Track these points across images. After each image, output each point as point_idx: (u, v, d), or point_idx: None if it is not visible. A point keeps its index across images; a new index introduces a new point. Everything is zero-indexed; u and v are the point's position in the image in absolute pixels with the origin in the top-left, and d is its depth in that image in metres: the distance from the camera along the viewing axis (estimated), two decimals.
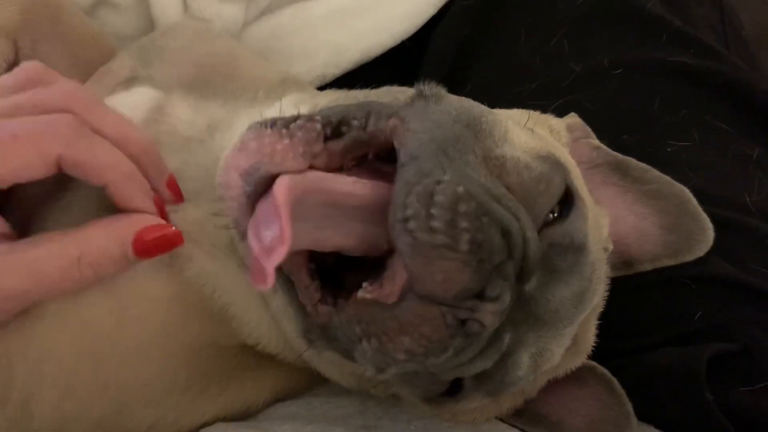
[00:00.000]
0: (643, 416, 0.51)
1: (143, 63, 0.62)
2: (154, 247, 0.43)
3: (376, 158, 0.41)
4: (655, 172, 0.54)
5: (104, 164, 0.43)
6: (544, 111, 0.56)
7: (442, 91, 0.45)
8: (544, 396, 0.51)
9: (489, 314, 0.37)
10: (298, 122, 0.39)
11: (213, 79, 0.58)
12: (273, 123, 0.39)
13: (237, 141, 0.39)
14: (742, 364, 0.52)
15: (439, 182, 0.36)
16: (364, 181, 0.39)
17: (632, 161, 0.55)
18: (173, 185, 0.49)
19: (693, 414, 0.51)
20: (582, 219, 0.44)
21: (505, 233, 0.37)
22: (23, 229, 0.46)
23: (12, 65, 0.62)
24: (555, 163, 0.44)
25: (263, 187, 0.37)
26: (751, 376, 0.52)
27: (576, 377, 0.52)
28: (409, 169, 0.37)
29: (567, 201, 0.43)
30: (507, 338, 0.41)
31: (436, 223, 0.35)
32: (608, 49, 0.67)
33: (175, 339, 0.47)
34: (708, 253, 0.53)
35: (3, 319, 0.43)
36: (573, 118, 0.57)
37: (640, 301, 0.57)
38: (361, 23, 0.78)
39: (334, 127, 0.39)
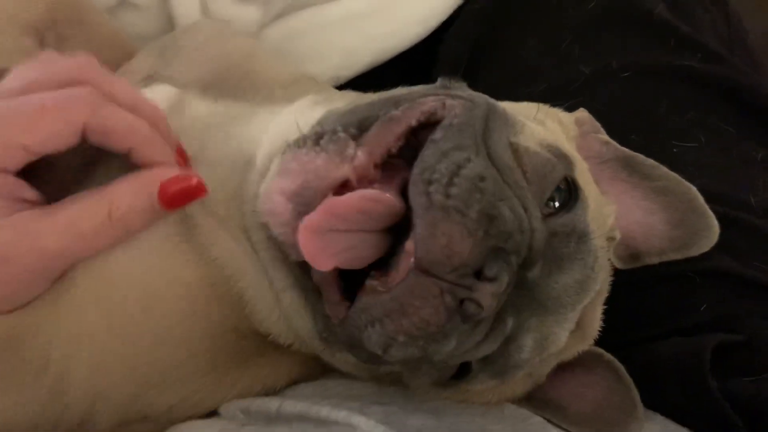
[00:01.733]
0: (648, 404, 0.52)
1: (163, 61, 0.63)
2: (179, 196, 0.45)
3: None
4: (663, 169, 0.56)
5: (127, 129, 0.45)
6: None
7: (464, 84, 0.49)
8: (552, 381, 0.53)
9: (487, 295, 0.38)
10: (325, 138, 0.41)
11: (230, 78, 0.59)
12: (303, 142, 0.41)
13: (275, 168, 0.41)
14: (745, 354, 0.53)
15: (469, 159, 0.39)
16: (379, 194, 0.40)
17: (640, 157, 0.56)
18: (180, 151, 0.50)
19: (697, 401, 0.52)
20: (583, 209, 0.46)
21: (514, 221, 0.39)
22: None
23: None
24: (560, 155, 0.47)
25: (313, 206, 0.39)
26: (754, 367, 0.53)
27: (583, 363, 0.53)
28: (449, 139, 0.40)
29: (570, 192, 0.46)
30: (510, 323, 0.43)
31: (454, 190, 0.37)
32: (617, 52, 0.69)
33: (200, 323, 0.49)
34: (713, 250, 0.54)
35: (52, 277, 0.44)
36: (582, 113, 0.59)
37: (647, 293, 0.58)
38: (373, 27, 0.79)
39: (358, 126, 0.42)
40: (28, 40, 0.62)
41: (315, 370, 0.55)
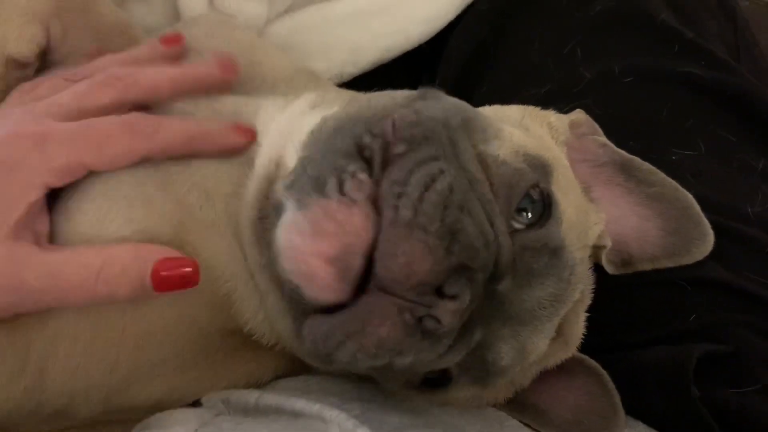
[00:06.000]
0: (631, 410, 0.52)
1: None
2: (170, 279, 0.44)
3: None
4: (660, 175, 0.55)
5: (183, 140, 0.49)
6: None
7: (441, 93, 0.48)
8: (534, 385, 0.53)
9: (447, 312, 0.38)
10: (347, 183, 0.38)
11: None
12: (324, 191, 0.38)
13: (299, 221, 0.38)
14: (731, 365, 0.53)
15: (442, 171, 0.38)
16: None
17: (637, 161, 0.56)
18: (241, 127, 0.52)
19: (679, 409, 0.52)
20: (557, 224, 0.46)
21: (479, 237, 0.39)
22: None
23: (44, 50, 0.64)
24: (536, 164, 0.46)
25: (356, 266, 0.37)
26: (740, 378, 0.52)
27: (566, 369, 0.53)
28: (415, 151, 0.39)
29: (544, 205, 0.45)
30: (477, 334, 0.42)
31: (424, 205, 0.37)
32: (620, 57, 0.68)
33: (185, 325, 0.49)
34: (706, 259, 0.54)
35: (13, 312, 0.44)
36: (578, 114, 0.58)
37: (635, 299, 0.58)
38: (380, 25, 0.79)
39: (360, 156, 0.40)
40: (34, 29, 0.63)
41: (299, 366, 0.55)
